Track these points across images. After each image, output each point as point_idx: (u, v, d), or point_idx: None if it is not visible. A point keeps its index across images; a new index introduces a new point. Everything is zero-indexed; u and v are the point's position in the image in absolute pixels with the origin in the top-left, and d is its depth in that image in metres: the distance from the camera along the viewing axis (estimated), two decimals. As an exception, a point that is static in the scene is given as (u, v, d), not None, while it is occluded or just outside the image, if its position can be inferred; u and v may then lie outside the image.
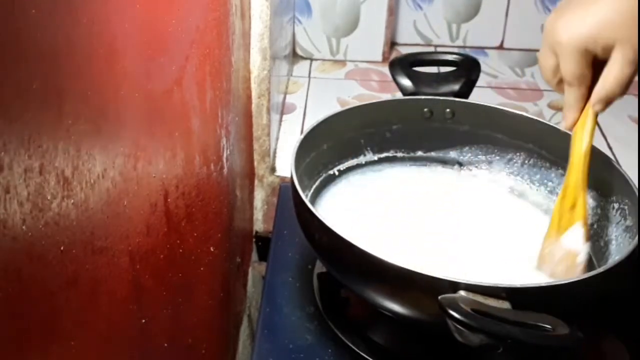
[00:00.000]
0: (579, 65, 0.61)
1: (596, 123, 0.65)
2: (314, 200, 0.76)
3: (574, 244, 0.65)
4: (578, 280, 0.57)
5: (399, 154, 0.83)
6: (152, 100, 0.51)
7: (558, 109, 1.23)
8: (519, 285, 0.54)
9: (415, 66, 0.83)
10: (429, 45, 1.45)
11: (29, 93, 0.31)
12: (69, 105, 0.36)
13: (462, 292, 0.53)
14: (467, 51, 1.43)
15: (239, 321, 0.95)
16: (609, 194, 0.72)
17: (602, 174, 0.72)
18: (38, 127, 0.32)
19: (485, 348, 0.50)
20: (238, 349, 0.93)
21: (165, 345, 0.59)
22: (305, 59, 1.41)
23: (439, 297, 0.52)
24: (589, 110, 0.64)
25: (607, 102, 0.62)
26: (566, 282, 0.56)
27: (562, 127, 0.67)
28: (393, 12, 1.38)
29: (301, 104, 1.25)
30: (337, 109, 0.79)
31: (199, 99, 0.63)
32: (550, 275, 0.66)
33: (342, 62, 1.40)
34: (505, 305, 0.53)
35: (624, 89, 0.61)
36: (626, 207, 0.69)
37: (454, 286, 0.54)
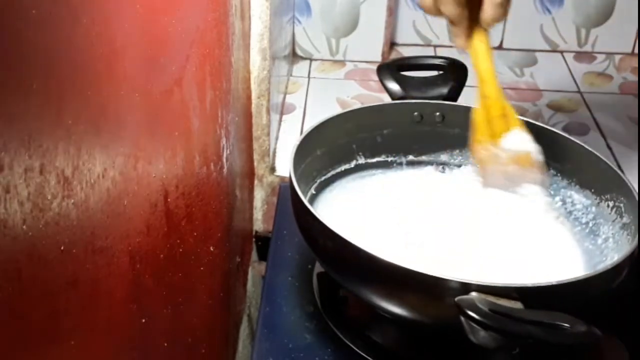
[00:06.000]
0: (457, 6, 0.69)
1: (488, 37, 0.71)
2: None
3: (522, 145, 0.70)
4: (593, 276, 0.57)
5: (390, 159, 0.83)
6: (152, 100, 0.51)
7: (557, 109, 1.23)
8: (530, 285, 0.54)
9: (403, 71, 0.84)
10: (429, 45, 1.45)
11: (29, 93, 0.31)
12: (69, 105, 0.36)
13: (474, 294, 0.53)
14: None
15: (238, 321, 0.95)
16: (603, 192, 0.72)
17: (595, 173, 0.73)
18: (38, 127, 0.32)
19: (497, 349, 0.50)
20: (238, 348, 0.93)
21: (165, 345, 0.59)
22: (305, 59, 1.41)
23: (456, 299, 0.52)
24: (480, 31, 0.71)
25: (494, 23, 0.69)
26: (580, 279, 0.56)
27: (455, 45, 0.73)
28: (392, 12, 1.38)
29: (301, 104, 1.25)
30: (331, 113, 0.79)
31: (199, 99, 0.63)
32: (501, 174, 0.71)
33: (342, 62, 1.40)
34: (517, 305, 0.53)
35: (503, 10, 0.68)
36: (622, 205, 0.69)
37: (466, 287, 0.53)
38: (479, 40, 0.71)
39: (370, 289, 0.62)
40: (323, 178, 0.79)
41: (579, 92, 1.29)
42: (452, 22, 0.71)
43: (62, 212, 0.36)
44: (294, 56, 1.40)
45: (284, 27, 1.19)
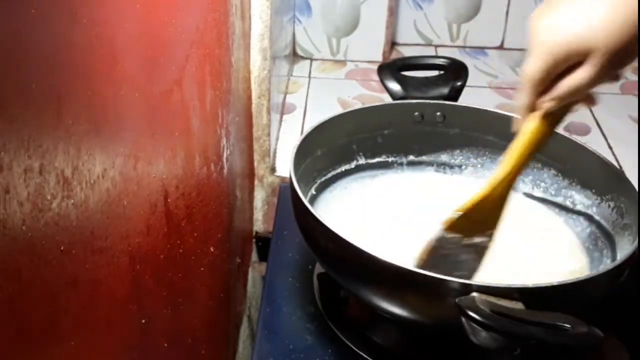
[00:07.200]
0: (546, 69, 0.56)
1: (545, 124, 0.59)
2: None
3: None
4: (593, 277, 0.57)
5: (391, 159, 0.83)
6: (152, 100, 0.51)
7: (558, 109, 1.23)
8: (531, 286, 0.54)
9: (404, 71, 0.84)
10: (429, 45, 1.45)
11: (28, 93, 0.31)
12: (69, 105, 0.36)
13: (474, 294, 0.53)
14: (468, 51, 1.43)
15: (239, 321, 0.95)
16: (604, 192, 0.72)
17: (596, 173, 0.72)
18: (38, 127, 0.32)
19: (498, 349, 0.50)
20: (238, 349, 0.93)
21: (165, 345, 0.59)
22: (305, 59, 1.41)
23: (457, 299, 0.52)
24: (539, 118, 0.59)
25: (562, 101, 0.57)
26: (581, 279, 0.56)
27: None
28: (393, 12, 1.38)
29: (301, 104, 1.25)
30: (332, 113, 0.79)
31: (199, 99, 0.63)
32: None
33: (342, 62, 1.40)
34: (518, 305, 0.52)
35: (582, 93, 0.56)
36: (622, 205, 0.69)
37: (467, 288, 0.53)
38: (534, 122, 0.59)
39: (370, 290, 0.62)
40: (323, 178, 0.79)
41: (579, 92, 1.29)
42: (526, 86, 0.58)
43: (62, 212, 0.36)
44: (294, 56, 1.40)
45: (285, 27, 1.19)
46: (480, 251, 0.64)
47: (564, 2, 0.56)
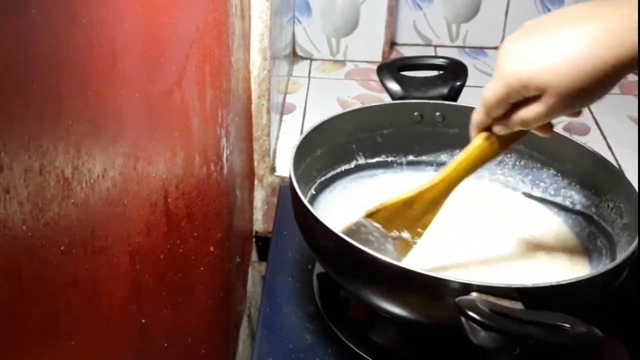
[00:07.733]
0: (502, 97, 0.56)
1: (493, 145, 0.61)
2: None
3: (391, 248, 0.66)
4: (593, 277, 0.57)
5: (390, 159, 0.83)
6: (152, 100, 0.51)
7: (558, 109, 1.23)
8: (530, 285, 0.54)
9: (403, 71, 0.84)
10: (429, 45, 1.45)
11: (29, 93, 0.31)
12: (69, 105, 0.36)
13: (474, 294, 0.53)
14: (467, 51, 1.43)
15: (238, 321, 0.95)
16: (603, 192, 0.72)
17: (595, 173, 0.72)
18: (38, 127, 0.32)
19: (497, 349, 0.50)
20: (238, 348, 0.93)
21: (165, 345, 0.59)
22: (305, 59, 1.41)
23: (457, 299, 0.52)
24: (492, 135, 0.61)
25: (512, 129, 0.58)
26: (580, 279, 0.56)
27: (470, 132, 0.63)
28: (393, 12, 1.38)
29: (301, 104, 1.25)
30: (332, 112, 0.78)
31: (199, 99, 0.63)
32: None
33: (342, 62, 1.40)
34: (518, 305, 0.52)
35: (533, 126, 0.57)
36: (622, 205, 0.69)
37: (466, 288, 0.53)
38: (480, 140, 0.62)
39: (370, 290, 0.62)
40: (323, 178, 0.79)
41: (579, 92, 1.29)
42: (484, 105, 0.59)
43: (62, 212, 0.36)
44: (294, 56, 1.40)
45: (284, 27, 1.19)
46: (404, 246, 0.66)
47: (536, 32, 0.56)
